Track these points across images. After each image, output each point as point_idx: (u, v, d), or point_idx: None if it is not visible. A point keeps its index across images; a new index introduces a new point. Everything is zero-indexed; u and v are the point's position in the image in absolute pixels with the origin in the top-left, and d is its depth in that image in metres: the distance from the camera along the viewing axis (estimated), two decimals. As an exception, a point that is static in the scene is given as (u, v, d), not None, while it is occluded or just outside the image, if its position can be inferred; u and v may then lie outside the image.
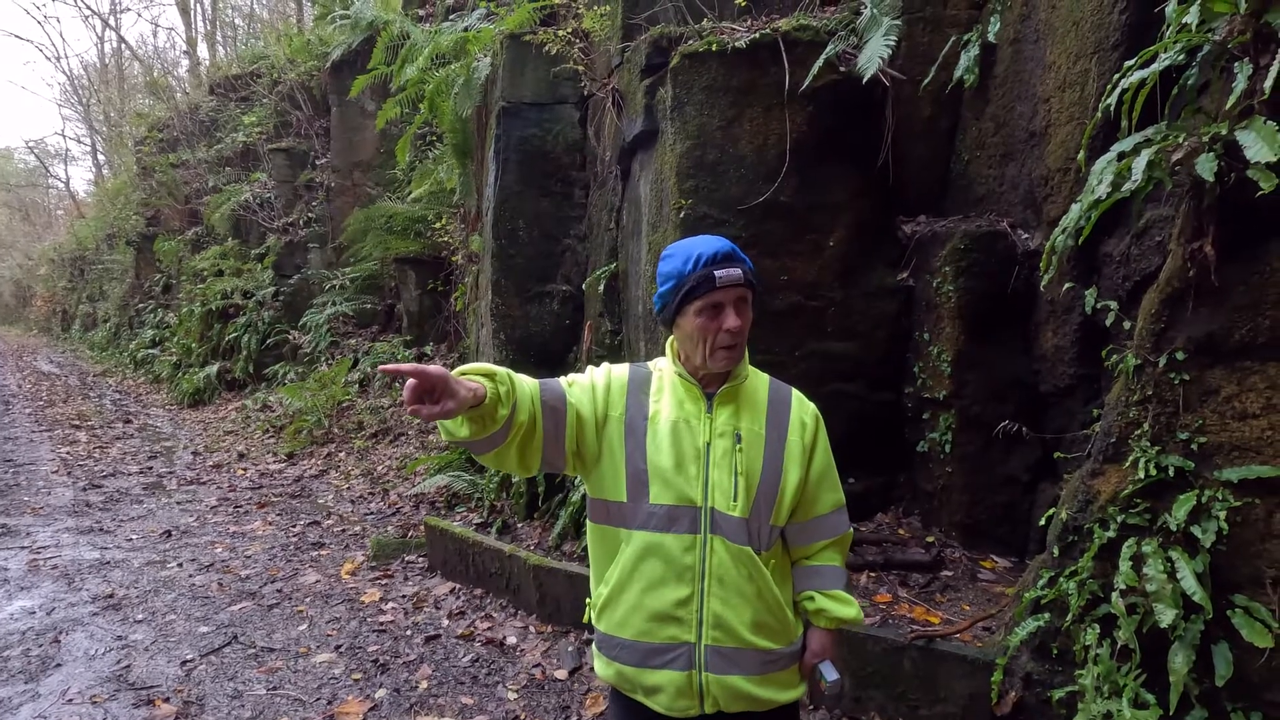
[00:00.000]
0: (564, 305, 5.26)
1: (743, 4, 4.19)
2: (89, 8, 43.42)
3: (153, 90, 18.72)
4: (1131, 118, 2.19)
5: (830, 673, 1.60)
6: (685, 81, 3.58)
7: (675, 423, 1.53)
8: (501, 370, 1.42)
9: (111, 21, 30.67)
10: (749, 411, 1.56)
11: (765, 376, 1.65)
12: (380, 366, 1.24)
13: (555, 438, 1.50)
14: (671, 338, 1.60)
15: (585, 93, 5.10)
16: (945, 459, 3.42)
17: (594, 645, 1.64)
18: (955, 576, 3.23)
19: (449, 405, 1.27)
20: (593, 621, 1.62)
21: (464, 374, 1.37)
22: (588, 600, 1.65)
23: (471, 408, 1.33)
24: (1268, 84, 1.84)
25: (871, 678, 2.73)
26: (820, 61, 3.40)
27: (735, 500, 1.50)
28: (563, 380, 1.57)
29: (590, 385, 1.57)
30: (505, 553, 4.00)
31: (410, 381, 1.24)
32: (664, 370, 1.61)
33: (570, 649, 3.45)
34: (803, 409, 1.62)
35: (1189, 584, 2.03)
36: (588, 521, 1.63)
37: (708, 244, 1.50)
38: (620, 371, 1.62)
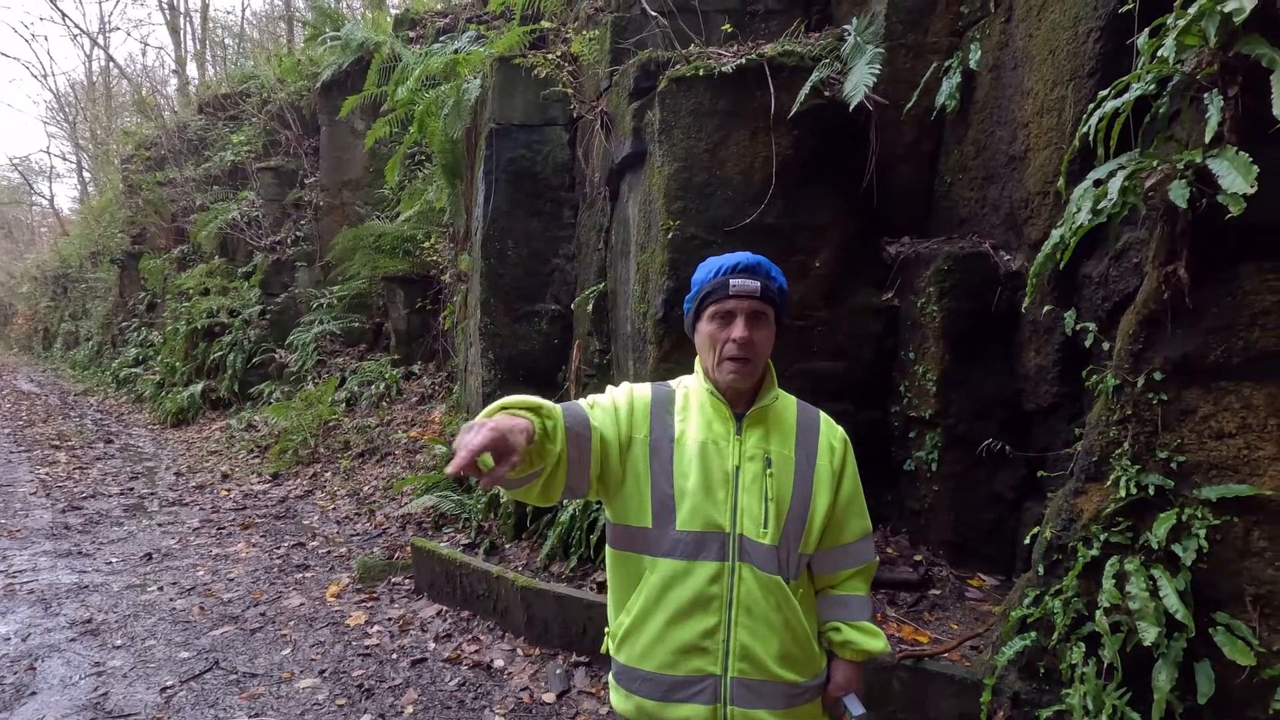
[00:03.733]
0: (552, 324, 5.28)
1: (729, 30, 4.27)
2: (78, 26, 43.53)
3: (140, 108, 18.69)
4: (1108, 145, 2.25)
5: (856, 707, 1.53)
6: (673, 105, 3.64)
7: (704, 444, 1.48)
8: (546, 403, 1.35)
9: (100, 40, 30.77)
10: (778, 434, 1.52)
11: (793, 398, 1.61)
12: (448, 471, 1.13)
13: (580, 464, 1.42)
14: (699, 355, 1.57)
15: (574, 115, 5.16)
16: (932, 477, 3.44)
17: (611, 677, 1.56)
18: (943, 595, 3.24)
19: (514, 459, 1.19)
20: (611, 653, 1.55)
21: (505, 408, 1.30)
22: (606, 630, 1.59)
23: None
24: (1277, 110, 1.85)
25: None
26: (807, 88, 3.47)
27: (765, 527, 1.44)
28: (583, 403, 1.50)
29: (613, 407, 1.51)
30: (493, 574, 3.97)
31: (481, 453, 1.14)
32: (690, 387, 1.57)
33: (558, 671, 3.42)
34: (832, 432, 1.58)
35: (1171, 602, 2.06)
36: (607, 548, 1.56)
37: (737, 256, 1.52)
38: (643, 391, 1.56)
